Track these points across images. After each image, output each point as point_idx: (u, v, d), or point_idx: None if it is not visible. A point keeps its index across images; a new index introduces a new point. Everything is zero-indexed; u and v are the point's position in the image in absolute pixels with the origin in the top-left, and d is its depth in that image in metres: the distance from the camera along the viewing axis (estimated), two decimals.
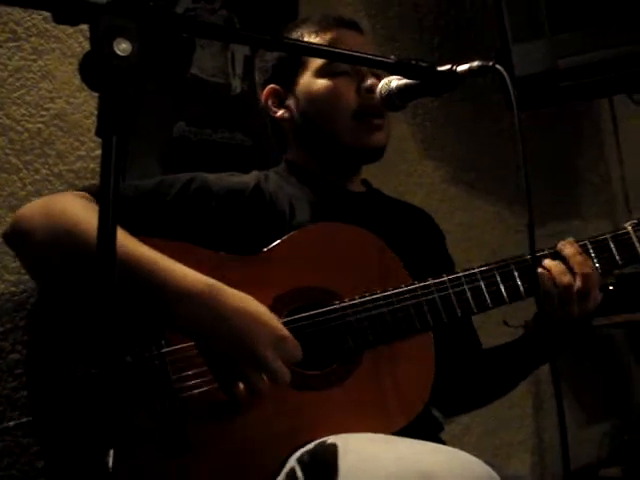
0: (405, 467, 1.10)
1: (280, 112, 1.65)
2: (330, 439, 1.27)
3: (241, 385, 1.21)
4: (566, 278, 1.43)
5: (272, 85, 1.65)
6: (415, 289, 1.42)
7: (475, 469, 1.10)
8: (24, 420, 1.56)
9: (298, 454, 1.27)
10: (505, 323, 1.51)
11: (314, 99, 1.59)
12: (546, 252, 1.49)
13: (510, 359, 1.65)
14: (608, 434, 2.66)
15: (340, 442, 1.24)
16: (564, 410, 1.12)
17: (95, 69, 0.85)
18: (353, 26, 1.65)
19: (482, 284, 1.45)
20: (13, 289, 1.68)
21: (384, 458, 1.16)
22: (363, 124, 1.57)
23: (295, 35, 1.63)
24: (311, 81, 1.60)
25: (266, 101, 1.67)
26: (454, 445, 1.29)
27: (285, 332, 1.23)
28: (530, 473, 2.51)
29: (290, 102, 1.63)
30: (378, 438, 1.28)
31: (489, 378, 1.69)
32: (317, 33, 1.61)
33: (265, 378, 1.20)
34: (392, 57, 1.28)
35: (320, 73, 1.59)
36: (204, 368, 1.25)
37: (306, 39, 1.61)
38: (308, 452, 1.26)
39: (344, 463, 1.19)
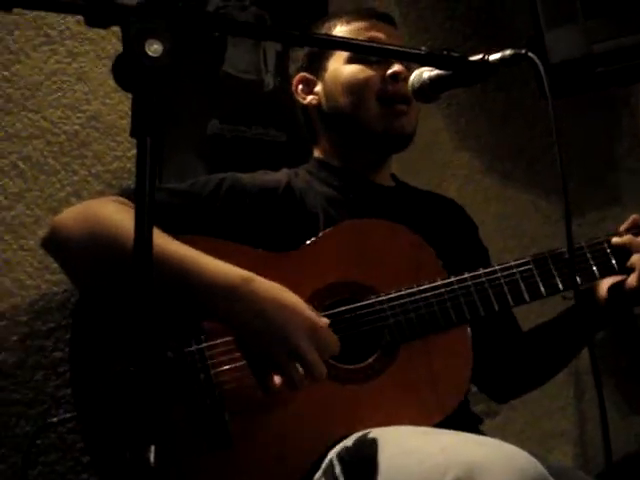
0: (450, 458, 1.10)
1: (309, 98, 1.67)
2: (369, 433, 1.27)
3: (277, 378, 1.21)
4: None
5: (302, 73, 1.68)
6: (451, 283, 1.42)
7: (520, 460, 1.09)
8: (68, 416, 1.59)
9: (337, 449, 1.28)
10: (564, 297, 1.51)
11: (341, 84, 1.60)
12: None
13: (554, 335, 1.65)
14: None
15: (379, 436, 1.25)
16: (605, 400, 1.11)
17: (128, 70, 0.86)
18: (385, 18, 1.67)
19: (519, 277, 1.44)
20: (55, 289, 1.71)
21: (428, 450, 1.16)
22: (387, 109, 1.58)
23: (327, 25, 1.65)
24: (339, 67, 1.61)
25: (296, 88, 1.69)
26: (495, 436, 1.29)
27: (321, 323, 1.22)
28: (573, 463, 2.48)
29: (318, 89, 1.65)
30: (419, 430, 1.28)
31: (534, 358, 1.69)
32: (348, 22, 1.63)
33: (301, 371, 1.19)
34: (423, 48, 1.27)
35: (349, 60, 1.60)
36: (243, 362, 1.26)
37: (338, 28, 1.63)
38: (347, 448, 1.27)
39: (384, 456, 1.20)
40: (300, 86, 1.68)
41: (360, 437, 1.27)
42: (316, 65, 1.66)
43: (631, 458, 2.53)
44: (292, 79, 1.71)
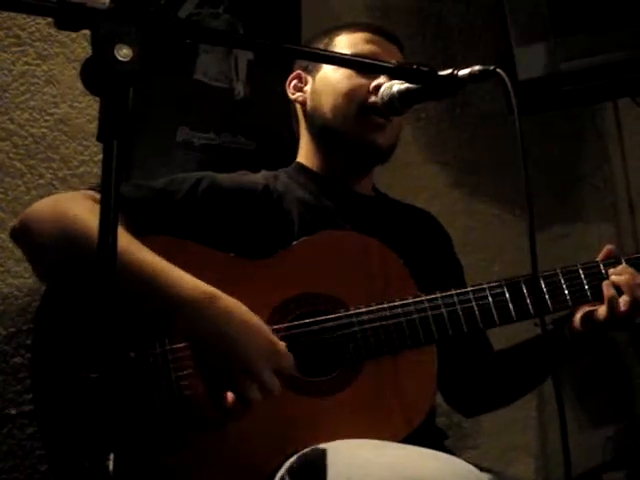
0: (395, 473, 1.10)
1: (297, 94, 1.69)
2: (320, 446, 1.27)
3: (230, 396, 1.20)
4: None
5: (299, 70, 1.70)
6: (422, 301, 1.42)
7: (466, 475, 1.10)
8: (27, 409, 1.57)
9: (288, 464, 1.27)
10: (536, 324, 1.52)
11: (328, 86, 1.62)
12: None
13: (523, 359, 1.66)
14: (612, 438, 2.65)
15: (330, 448, 1.25)
16: (566, 414, 1.12)
17: (96, 74, 0.86)
18: (392, 38, 1.67)
19: (490, 300, 1.45)
20: (17, 293, 1.69)
21: (375, 463, 1.16)
22: (364, 119, 1.58)
23: (335, 32, 1.67)
24: (332, 70, 1.62)
25: (289, 83, 1.71)
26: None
27: (279, 344, 1.22)
28: (534, 477, 2.50)
29: (308, 87, 1.67)
30: (369, 444, 1.28)
31: (503, 379, 1.70)
32: (354, 31, 1.65)
33: (255, 391, 1.18)
34: (393, 61, 1.28)
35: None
36: None
37: (342, 35, 1.65)
38: (297, 459, 1.27)
39: (333, 469, 1.20)
40: (294, 82, 1.71)
41: (310, 449, 1.27)
42: (312, 65, 1.67)
43: (591, 472, 2.55)
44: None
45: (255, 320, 1.22)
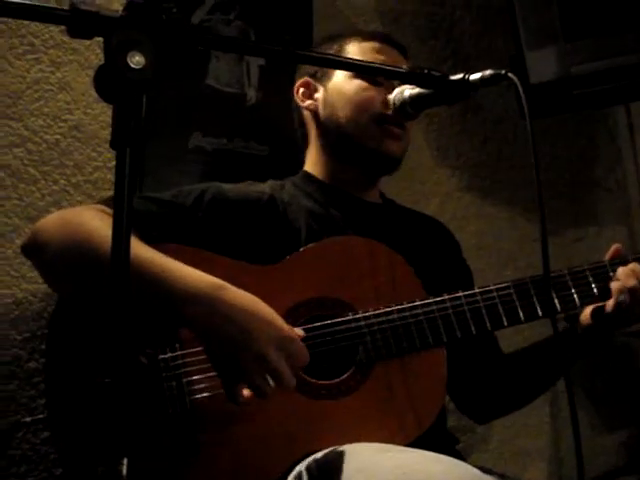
0: (402, 476, 1.10)
1: (307, 102, 1.69)
2: (340, 447, 1.27)
3: (246, 391, 1.20)
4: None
5: (307, 78, 1.70)
6: (430, 304, 1.42)
7: (471, 479, 1.10)
8: (41, 416, 1.58)
9: (307, 462, 1.28)
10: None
11: (343, 96, 1.62)
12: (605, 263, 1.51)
13: (534, 360, 1.66)
14: (625, 443, 2.64)
15: (347, 450, 1.25)
16: (579, 420, 1.11)
17: (109, 82, 0.86)
18: (398, 47, 1.68)
19: (498, 302, 1.44)
20: (31, 298, 1.70)
21: (382, 466, 1.16)
22: (381, 129, 1.59)
23: (344, 40, 1.68)
24: (344, 79, 1.63)
25: (297, 91, 1.71)
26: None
27: (291, 333, 1.22)
28: None
29: (319, 95, 1.67)
30: (377, 447, 1.28)
31: (514, 381, 1.70)
32: (363, 40, 1.66)
33: (270, 381, 1.18)
34: (404, 66, 1.29)
35: (355, 75, 1.62)
36: (215, 372, 1.26)
37: (351, 44, 1.66)
38: (316, 460, 1.27)
39: (348, 469, 1.20)
40: (302, 89, 1.71)
41: (330, 451, 1.27)
42: (322, 72, 1.68)
43: (604, 477, 2.54)
44: (296, 82, 1.73)
45: (264, 308, 1.22)
